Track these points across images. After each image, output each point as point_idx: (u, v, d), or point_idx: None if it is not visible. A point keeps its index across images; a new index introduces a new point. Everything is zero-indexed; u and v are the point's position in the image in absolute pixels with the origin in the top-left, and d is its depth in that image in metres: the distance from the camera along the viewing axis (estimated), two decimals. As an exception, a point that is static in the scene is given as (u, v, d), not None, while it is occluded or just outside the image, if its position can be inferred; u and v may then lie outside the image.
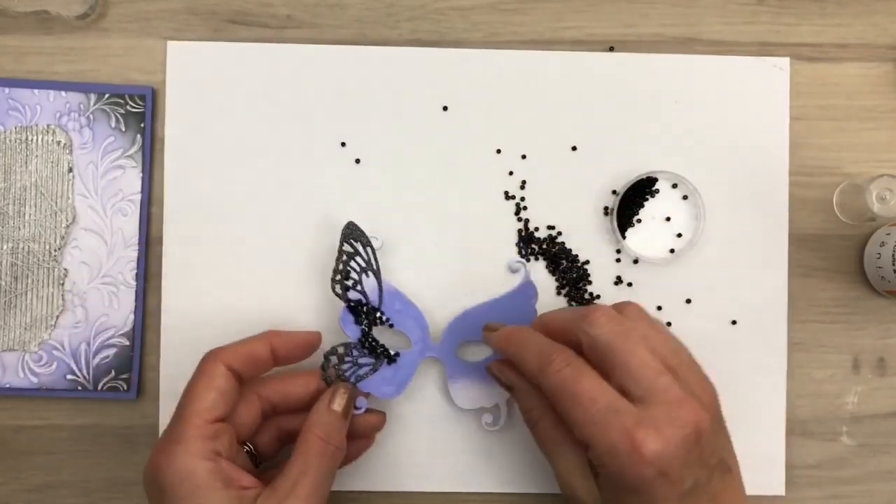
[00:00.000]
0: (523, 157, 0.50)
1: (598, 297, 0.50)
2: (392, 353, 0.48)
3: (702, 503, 0.39)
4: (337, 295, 0.48)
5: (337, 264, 0.48)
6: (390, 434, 0.49)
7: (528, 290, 0.49)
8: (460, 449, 0.50)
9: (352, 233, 0.48)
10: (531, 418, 0.44)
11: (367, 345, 0.48)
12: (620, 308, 0.42)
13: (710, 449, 0.39)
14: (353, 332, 0.48)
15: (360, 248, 0.48)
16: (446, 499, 0.50)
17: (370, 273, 0.48)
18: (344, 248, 0.48)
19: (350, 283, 0.48)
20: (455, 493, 0.50)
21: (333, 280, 0.48)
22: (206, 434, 0.41)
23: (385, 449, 0.49)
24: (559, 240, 0.50)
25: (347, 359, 0.47)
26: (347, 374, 0.47)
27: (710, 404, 0.40)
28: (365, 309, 0.48)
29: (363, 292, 0.48)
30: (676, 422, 0.37)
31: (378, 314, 0.48)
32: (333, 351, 0.47)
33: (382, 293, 0.48)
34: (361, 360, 0.48)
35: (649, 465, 0.37)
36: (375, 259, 0.48)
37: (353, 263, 0.48)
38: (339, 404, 0.44)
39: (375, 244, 0.48)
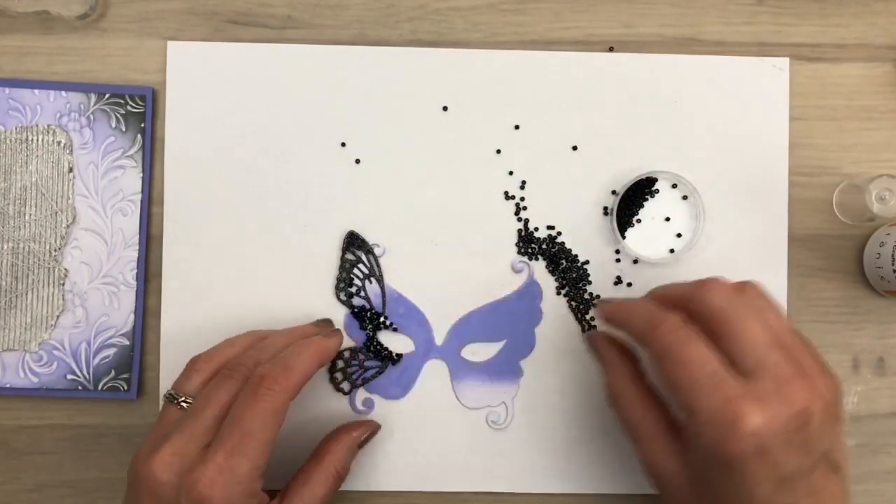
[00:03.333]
0: (523, 157, 0.50)
1: (598, 296, 0.50)
2: (396, 355, 0.49)
3: (800, 494, 0.36)
4: (341, 302, 0.49)
5: (340, 272, 0.49)
6: (391, 434, 0.49)
7: (533, 290, 0.50)
8: (461, 449, 0.50)
9: (353, 241, 0.49)
10: (615, 391, 0.42)
11: (372, 349, 0.49)
12: (740, 286, 0.40)
13: (818, 437, 0.36)
14: (358, 337, 0.49)
15: (363, 256, 0.49)
16: (446, 499, 0.50)
17: (373, 279, 0.49)
18: (346, 256, 0.49)
19: (353, 289, 0.49)
20: (455, 493, 0.50)
21: (337, 288, 0.49)
22: (262, 475, 0.40)
23: (385, 449, 0.49)
24: (559, 240, 0.50)
25: (354, 362, 0.49)
26: (354, 376, 0.49)
27: (826, 392, 0.37)
28: (369, 314, 0.49)
29: (367, 298, 0.49)
30: (785, 399, 0.35)
31: (382, 319, 0.49)
32: (340, 355, 0.49)
33: (386, 298, 0.49)
34: (368, 364, 0.49)
35: (749, 438, 0.35)
36: (378, 266, 0.49)
37: (355, 271, 0.49)
38: (363, 439, 0.46)
39: (377, 251, 0.49)
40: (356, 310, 0.49)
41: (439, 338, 0.50)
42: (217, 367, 0.43)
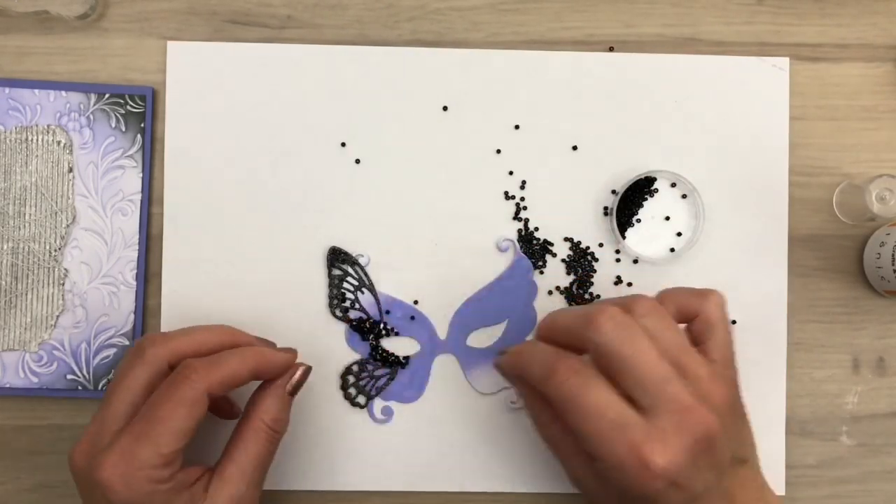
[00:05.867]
0: (523, 157, 0.50)
1: (598, 296, 0.50)
2: (403, 358, 0.49)
3: (713, 499, 0.38)
4: (338, 318, 0.49)
5: (330, 289, 0.49)
6: (391, 434, 0.49)
7: (523, 265, 0.50)
8: (462, 448, 0.50)
9: (336, 257, 0.49)
10: (532, 414, 0.43)
11: (378, 357, 0.49)
12: (629, 304, 0.40)
13: (723, 449, 0.38)
14: (362, 349, 0.49)
15: (349, 269, 0.49)
16: (446, 499, 0.50)
17: (364, 290, 0.49)
18: (333, 272, 0.49)
19: (347, 304, 0.49)
20: (455, 493, 0.50)
21: (331, 305, 0.49)
22: (173, 461, 0.39)
23: (385, 449, 0.49)
24: (559, 240, 0.50)
25: (363, 374, 0.49)
26: (367, 388, 0.49)
27: (722, 403, 0.39)
28: (368, 325, 0.49)
29: (362, 309, 0.49)
30: (685, 431, 0.37)
31: (381, 326, 0.49)
32: (349, 370, 0.49)
33: (381, 306, 0.49)
34: (377, 373, 0.49)
35: (658, 478, 0.36)
36: (366, 275, 0.49)
37: (345, 285, 0.49)
38: (291, 385, 0.43)
39: (362, 261, 0.49)
40: (354, 323, 0.49)
41: (442, 332, 0.50)
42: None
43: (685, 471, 0.37)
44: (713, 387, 0.39)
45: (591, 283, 0.50)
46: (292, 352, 0.44)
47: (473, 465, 0.49)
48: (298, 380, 0.43)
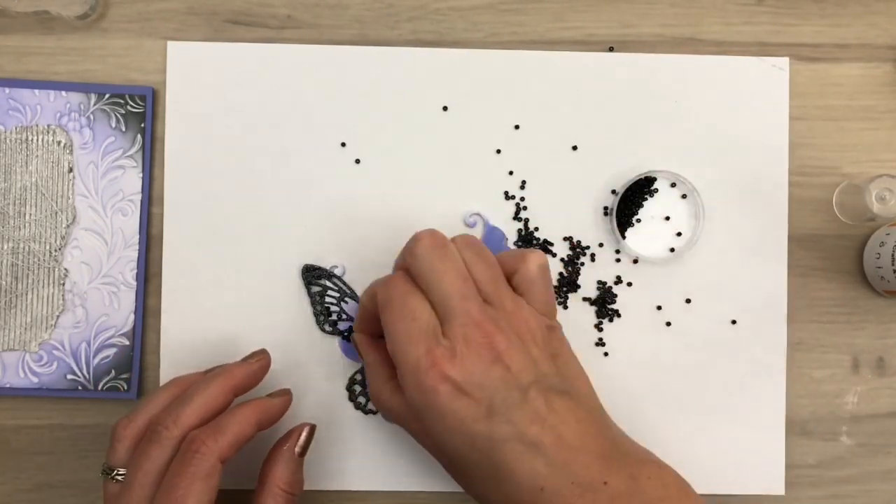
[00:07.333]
0: (523, 157, 0.50)
1: (596, 297, 0.50)
2: None
3: (522, 422, 0.38)
4: (328, 333, 0.49)
5: (314, 307, 0.49)
6: (391, 434, 0.49)
7: (496, 235, 0.50)
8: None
9: (311, 274, 0.49)
10: (357, 327, 0.46)
11: None
12: (454, 238, 0.42)
13: (518, 368, 0.39)
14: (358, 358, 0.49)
15: (327, 283, 0.49)
16: (446, 499, 0.50)
17: (348, 299, 0.49)
18: (312, 290, 0.49)
19: (334, 317, 0.49)
20: (455, 492, 0.50)
21: (318, 322, 0.49)
22: None
23: (385, 449, 0.49)
24: (559, 240, 0.50)
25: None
26: None
27: (526, 330, 0.41)
28: None
29: (351, 318, 0.49)
30: (472, 342, 0.39)
31: None
32: (353, 381, 0.49)
33: None
34: None
35: (443, 380, 0.38)
36: (345, 284, 0.49)
37: (327, 299, 0.49)
38: (300, 447, 0.43)
39: (338, 271, 0.49)
40: (346, 334, 0.49)
41: None
42: (140, 428, 0.42)
43: (471, 378, 0.38)
44: (518, 315, 0.41)
45: (578, 286, 0.50)
46: (287, 393, 0.44)
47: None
48: (305, 441, 0.44)
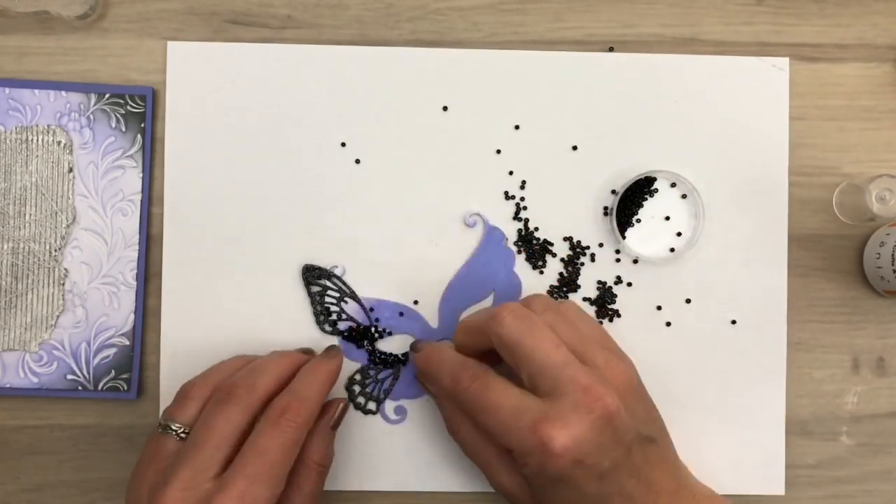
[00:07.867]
0: (523, 157, 0.50)
1: (594, 297, 0.50)
2: (402, 356, 0.49)
3: (623, 478, 0.40)
4: (328, 333, 0.49)
5: (314, 307, 0.49)
6: (391, 434, 0.49)
7: (496, 235, 0.50)
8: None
9: (311, 274, 0.49)
10: (452, 427, 0.45)
11: (377, 360, 0.49)
12: (528, 302, 0.43)
13: (624, 427, 0.40)
14: (360, 357, 0.49)
15: (327, 283, 0.49)
16: (446, 499, 0.50)
17: (347, 299, 0.49)
18: (312, 290, 0.49)
19: (334, 317, 0.49)
20: (455, 492, 0.50)
21: (318, 322, 0.49)
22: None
23: (385, 449, 0.49)
24: (559, 240, 0.50)
25: (367, 381, 0.49)
26: (375, 392, 0.49)
27: (622, 383, 0.41)
28: (359, 332, 0.49)
29: (350, 318, 0.49)
30: (583, 409, 0.39)
31: (373, 330, 0.49)
32: (352, 381, 0.49)
33: (367, 310, 0.49)
34: (381, 376, 0.49)
35: (561, 456, 0.38)
36: (345, 284, 0.49)
37: (327, 300, 0.49)
38: (334, 420, 0.45)
39: (338, 271, 0.49)
40: (346, 334, 0.49)
41: (433, 321, 0.50)
42: (210, 391, 0.42)
43: (587, 447, 0.38)
44: (612, 369, 0.41)
45: (579, 286, 0.50)
46: (337, 352, 0.46)
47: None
48: (339, 416, 0.45)
